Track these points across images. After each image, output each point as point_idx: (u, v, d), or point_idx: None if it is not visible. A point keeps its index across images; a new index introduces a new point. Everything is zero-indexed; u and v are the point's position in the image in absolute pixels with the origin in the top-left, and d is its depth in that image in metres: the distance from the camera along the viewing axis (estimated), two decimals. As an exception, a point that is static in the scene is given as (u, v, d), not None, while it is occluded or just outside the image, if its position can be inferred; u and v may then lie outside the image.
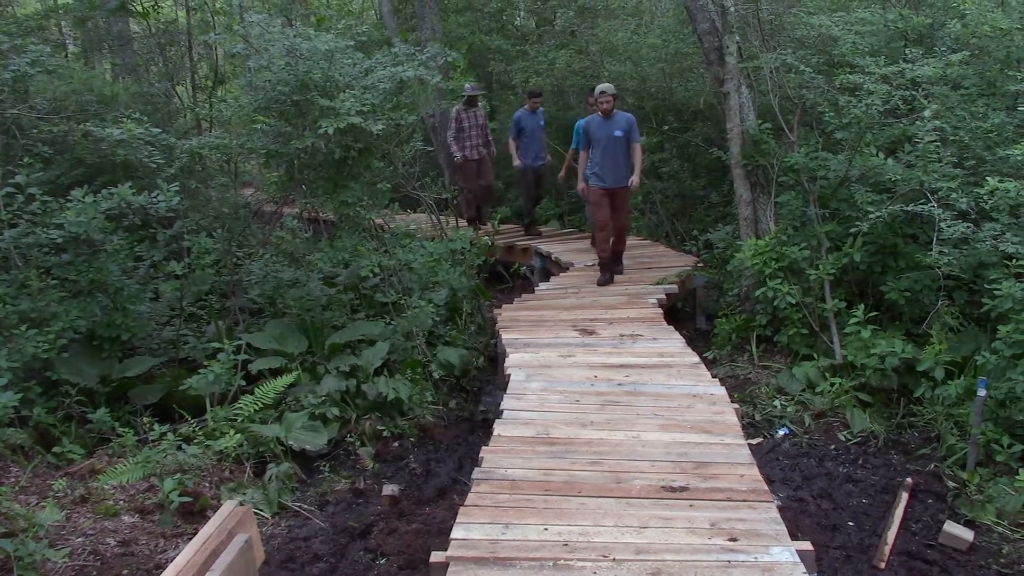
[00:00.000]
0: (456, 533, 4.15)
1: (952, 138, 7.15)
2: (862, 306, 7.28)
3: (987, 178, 6.25)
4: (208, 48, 11.69)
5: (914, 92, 7.36)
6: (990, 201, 6.21)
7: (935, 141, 6.94)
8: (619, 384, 6.31)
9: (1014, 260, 6.06)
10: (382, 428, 6.93)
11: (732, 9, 8.46)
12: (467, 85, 12.25)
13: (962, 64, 7.44)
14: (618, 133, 9.11)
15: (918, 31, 8.24)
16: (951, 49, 7.61)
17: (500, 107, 15.92)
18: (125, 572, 4.77)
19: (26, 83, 7.76)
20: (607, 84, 9.37)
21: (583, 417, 5.65)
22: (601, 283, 9.44)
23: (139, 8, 12.17)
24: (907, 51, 7.68)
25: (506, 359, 7.07)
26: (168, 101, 12.21)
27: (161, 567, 4.70)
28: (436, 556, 4.06)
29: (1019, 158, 6.25)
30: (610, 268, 9.63)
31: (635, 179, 9.24)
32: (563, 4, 15.85)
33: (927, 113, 7.04)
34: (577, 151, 10.05)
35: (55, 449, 5.90)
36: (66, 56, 13.35)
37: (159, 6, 12.87)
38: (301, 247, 8.73)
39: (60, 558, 4.59)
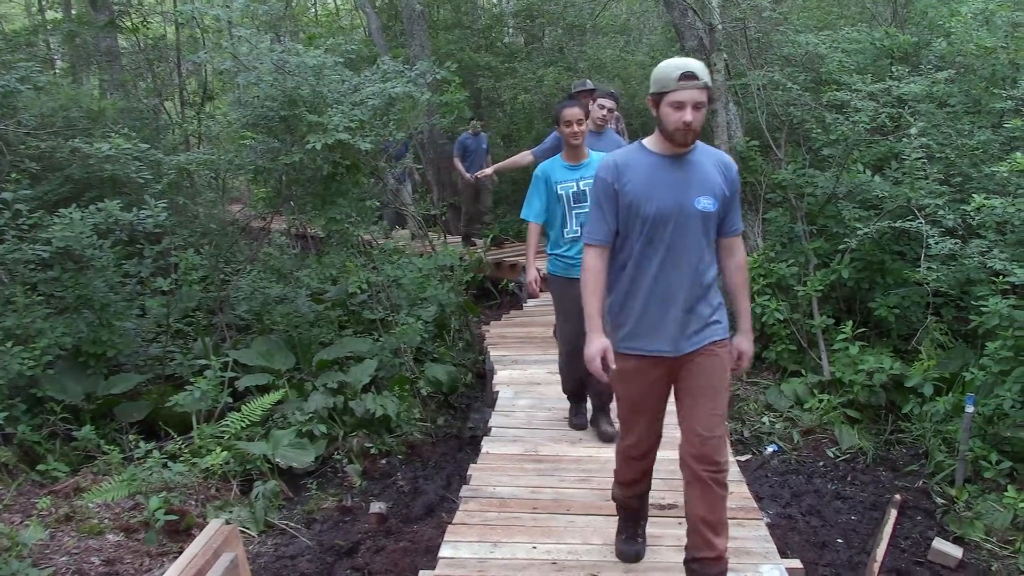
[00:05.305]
0: (444, 552, 4.12)
1: (938, 155, 7.20)
2: (850, 323, 7.30)
3: (973, 195, 6.28)
4: (197, 64, 11.70)
5: (900, 110, 7.41)
6: (977, 218, 6.26)
7: (922, 158, 6.99)
8: (608, 401, 6.28)
9: (1001, 277, 6.09)
10: (370, 445, 6.88)
11: (720, 27, 8.51)
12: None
13: (948, 82, 7.50)
14: (708, 203, 3.48)
15: (904, 49, 8.30)
16: (937, 67, 7.67)
17: (490, 123, 15.95)
18: (109, 592, 4.72)
19: (14, 99, 7.74)
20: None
21: (571, 435, 5.63)
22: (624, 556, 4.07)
23: (128, 24, 12.19)
24: (893, 69, 7.75)
25: (494, 376, 7.05)
26: (156, 117, 12.20)
27: (145, 587, 4.66)
28: (424, 575, 4.02)
29: (1005, 175, 6.29)
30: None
31: (745, 342, 3.82)
32: (551, 22, 15.92)
33: (913, 130, 7.08)
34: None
35: (39, 467, 5.85)
36: (54, 72, 13.35)
37: (148, 22, 12.90)
38: (289, 263, 8.71)
39: (43, 577, 4.53)
